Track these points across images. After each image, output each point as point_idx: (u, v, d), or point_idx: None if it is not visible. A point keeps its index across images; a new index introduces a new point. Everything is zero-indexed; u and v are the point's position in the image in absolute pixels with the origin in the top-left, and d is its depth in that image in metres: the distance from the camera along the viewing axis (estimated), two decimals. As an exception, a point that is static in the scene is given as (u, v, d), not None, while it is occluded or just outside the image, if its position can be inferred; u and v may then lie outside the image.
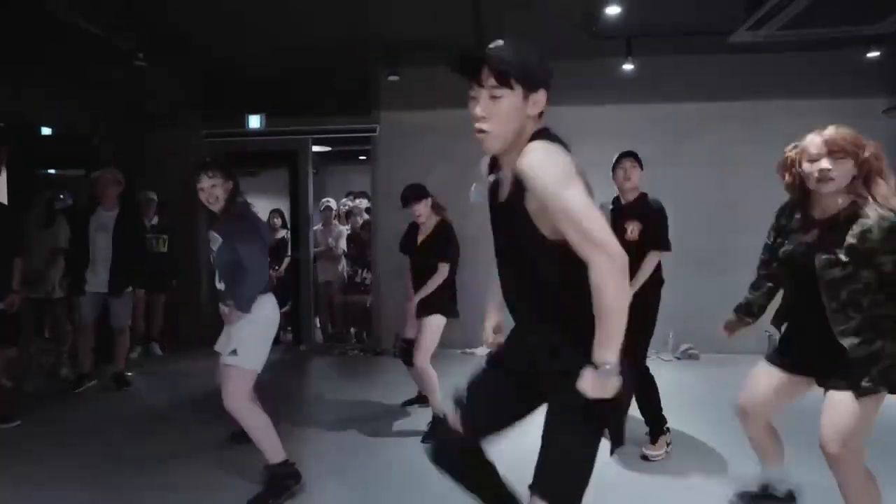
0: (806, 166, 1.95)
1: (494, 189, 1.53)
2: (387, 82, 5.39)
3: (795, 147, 2.04)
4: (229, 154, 6.03)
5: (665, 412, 3.03)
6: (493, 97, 1.37)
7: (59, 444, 3.29)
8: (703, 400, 3.95)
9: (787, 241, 2.05)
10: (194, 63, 5.44)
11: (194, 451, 3.12)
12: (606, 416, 1.38)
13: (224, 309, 2.67)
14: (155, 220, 5.37)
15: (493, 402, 1.60)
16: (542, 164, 1.30)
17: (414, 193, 3.39)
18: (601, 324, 1.29)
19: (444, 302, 3.37)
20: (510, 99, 1.36)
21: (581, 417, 1.35)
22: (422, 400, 3.68)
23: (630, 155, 3.08)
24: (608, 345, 1.28)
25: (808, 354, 2.01)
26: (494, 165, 1.55)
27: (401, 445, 3.24)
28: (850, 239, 1.85)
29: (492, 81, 1.36)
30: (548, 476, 1.40)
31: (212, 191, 2.64)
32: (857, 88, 5.10)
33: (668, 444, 3.01)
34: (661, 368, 4.73)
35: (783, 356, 2.10)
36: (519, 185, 1.36)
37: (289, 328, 6.25)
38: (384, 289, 5.62)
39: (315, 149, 6.16)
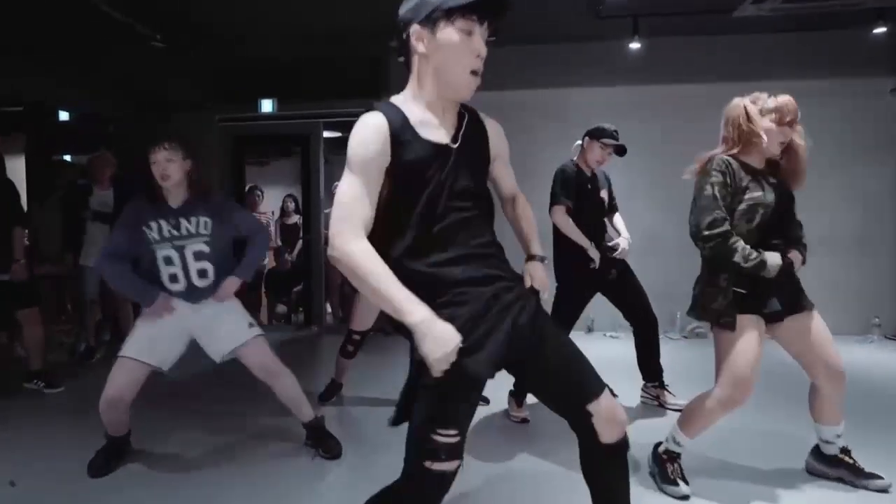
0: (773, 126, 2.08)
1: (417, 140, 1.37)
2: (396, 64, 5.45)
3: (756, 101, 2.14)
4: (242, 138, 6.18)
5: (673, 388, 3.30)
6: (488, 40, 1.35)
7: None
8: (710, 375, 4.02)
9: (748, 193, 2.07)
10: (207, 49, 5.52)
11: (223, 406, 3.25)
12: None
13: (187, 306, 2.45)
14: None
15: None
16: (501, 130, 1.57)
17: None
18: (533, 229, 1.61)
19: None
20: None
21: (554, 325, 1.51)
22: (335, 388, 3.48)
23: (618, 147, 3.14)
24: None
25: (774, 294, 2.10)
26: (396, 122, 1.36)
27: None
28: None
29: (494, 24, 1.34)
30: (594, 371, 1.45)
31: (166, 165, 2.39)
32: (864, 67, 5.09)
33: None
34: (669, 346, 4.80)
35: (759, 305, 2.10)
36: (478, 132, 1.48)
37: (300, 309, 6.37)
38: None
39: (326, 134, 6.25)
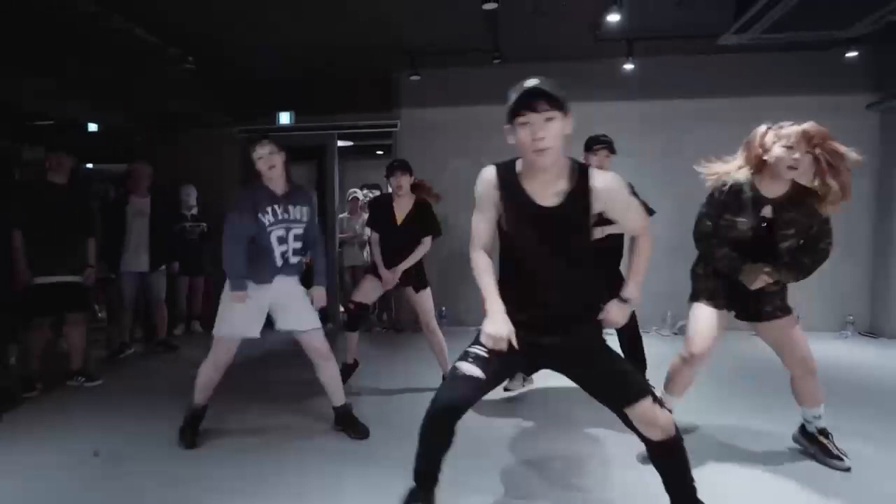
0: (780, 151, 2.29)
1: (519, 195, 1.81)
2: (408, 82, 5.84)
3: (771, 128, 2.37)
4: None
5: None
6: (548, 119, 1.68)
7: (148, 393, 3.77)
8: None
9: (739, 216, 2.40)
10: (230, 65, 5.86)
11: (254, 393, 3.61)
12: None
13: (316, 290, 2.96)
14: (195, 210, 5.81)
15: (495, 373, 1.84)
16: (615, 179, 1.84)
17: (402, 166, 3.63)
18: (639, 271, 1.94)
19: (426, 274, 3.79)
20: (558, 121, 1.70)
21: (607, 347, 1.91)
22: (349, 370, 3.84)
23: (605, 145, 3.40)
24: (639, 286, 1.93)
25: (743, 299, 2.49)
26: (504, 177, 1.82)
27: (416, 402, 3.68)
28: (801, 217, 2.36)
29: (545, 107, 1.68)
30: (634, 383, 1.84)
31: (270, 158, 2.76)
32: (843, 85, 5.48)
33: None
34: (660, 342, 5.18)
35: (720, 297, 2.53)
36: (580, 195, 1.78)
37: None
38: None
39: (340, 144, 6.57)
